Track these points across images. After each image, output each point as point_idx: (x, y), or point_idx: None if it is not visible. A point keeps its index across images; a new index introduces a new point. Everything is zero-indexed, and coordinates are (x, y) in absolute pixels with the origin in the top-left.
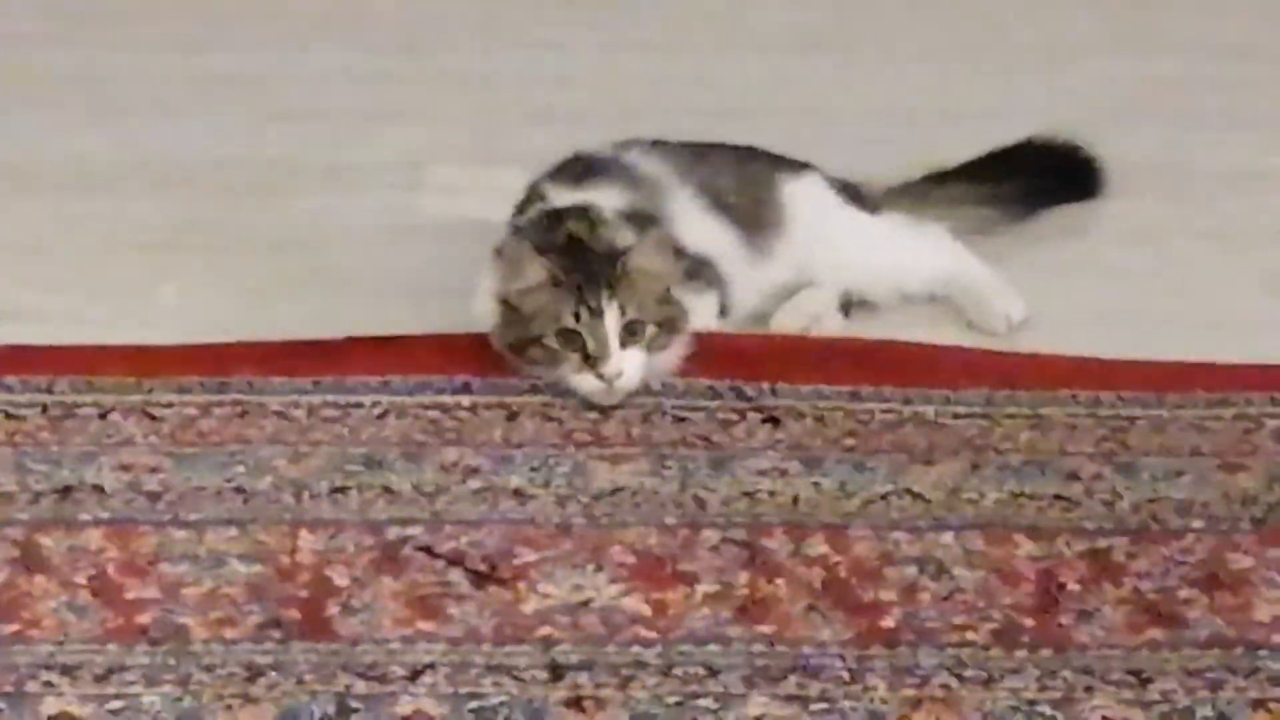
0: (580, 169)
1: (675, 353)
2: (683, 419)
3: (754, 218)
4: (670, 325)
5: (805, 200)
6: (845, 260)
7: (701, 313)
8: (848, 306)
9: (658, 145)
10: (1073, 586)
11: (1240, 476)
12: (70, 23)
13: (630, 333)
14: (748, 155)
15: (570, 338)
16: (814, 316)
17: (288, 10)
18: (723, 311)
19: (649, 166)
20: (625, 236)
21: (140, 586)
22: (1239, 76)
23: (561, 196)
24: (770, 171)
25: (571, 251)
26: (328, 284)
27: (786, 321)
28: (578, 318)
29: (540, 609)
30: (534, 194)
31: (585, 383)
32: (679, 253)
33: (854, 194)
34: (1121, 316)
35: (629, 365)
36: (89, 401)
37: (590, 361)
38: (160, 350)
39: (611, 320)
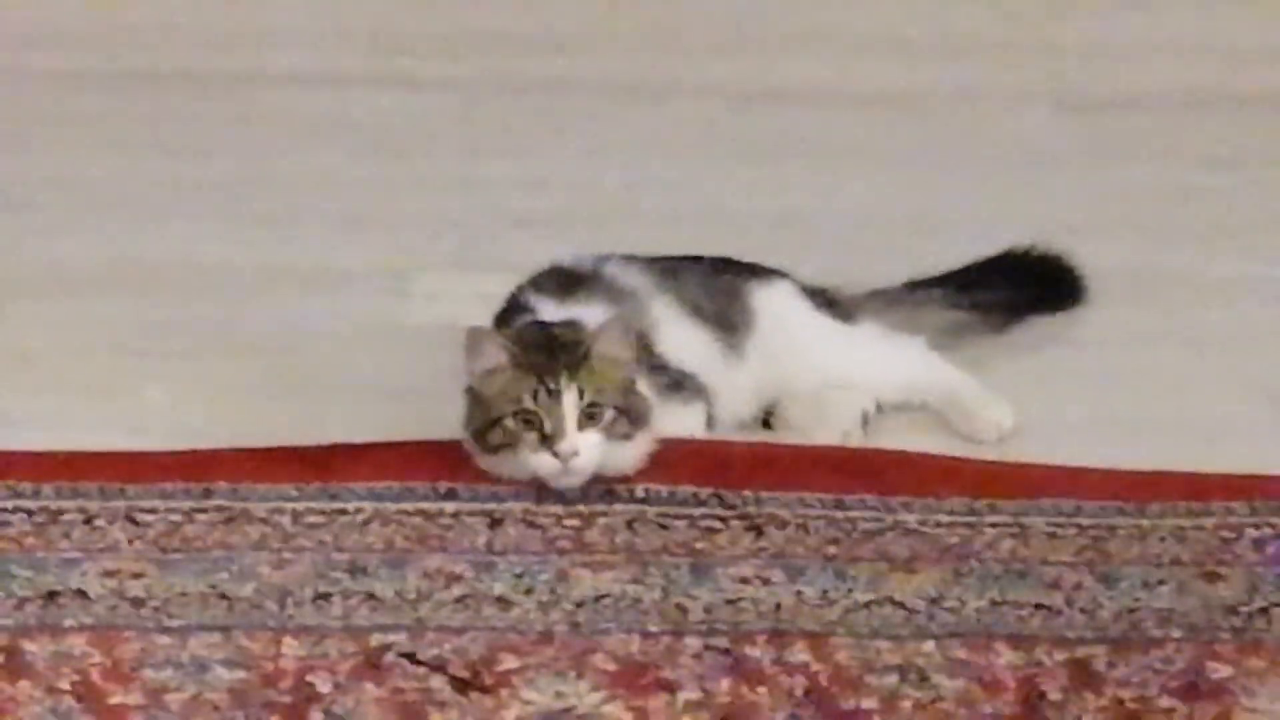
0: (563, 281)
1: (639, 448)
2: (665, 526)
3: (727, 323)
4: (632, 414)
5: (776, 307)
6: (815, 367)
7: (688, 423)
8: (866, 418)
9: (632, 258)
10: (1054, 695)
11: (1220, 586)
12: (49, 126)
13: (589, 416)
14: (720, 265)
15: (529, 418)
16: (850, 426)
17: (269, 115)
18: (710, 423)
19: (627, 279)
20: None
21: (124, 692)
22: (1217, 185)
23: (547, 309)
24: (741, 279)
25: (534, 336)
26: (310, 389)
27: (831, 433)
28: (536, 397)
29: (522, 716)
30: (516, 303)
31: (542, 463)
32: (662, 366)
33: (827, 301)
34: (1102, 424)
35: (586, 446)
36: (73, 507)
37: (547, 441)
38: (144, 456)
39: (569, 401)
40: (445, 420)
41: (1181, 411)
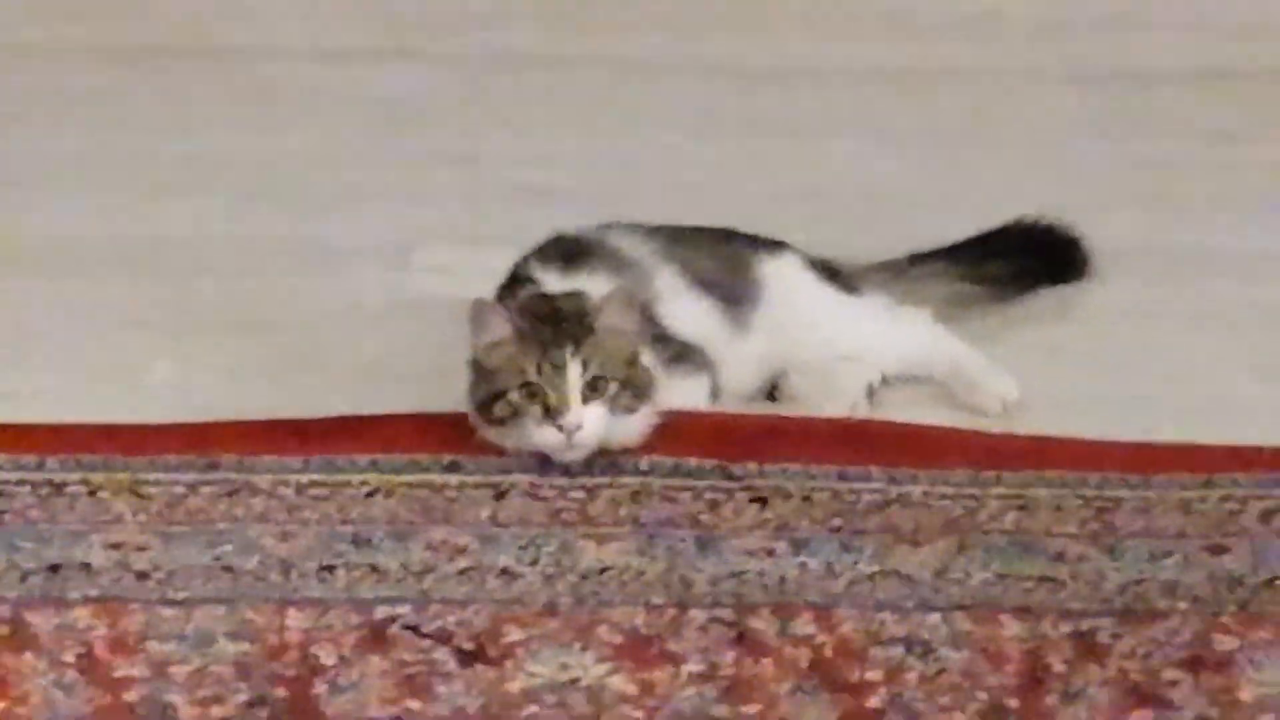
0: (566, 251)
1: (643, 421)
2: (670, 498)
3: (733, 295)
4: (636, 388)
5: (782, 278)
6: (821, 339)
7: (692, 395)
8: (871, 390)
9: (636, 227)
10: (1058, 667)
11: (1226, 558)
12: (53, 102)
13: (593, 388)
14: (725, 236)
15: (533, 391)
16: (855, 398)
17: (273, 90)
18: (714, 394)
19: (632, 249)
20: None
21: (128, 665)
22: (1225, 160)
23: (550, 279)
24: (748, 251)
25: (538, 308)
26: (315, 363)
27: (837, 406)
28: (540, 371)
29: (527, 688)
30: (520, 275)
31: (545, 436)
32: (666, 337)
33: (833, 273)
34: (1107, 398)
35: (589, 420)
36: (78, 479)
37: (550, 414)
38: (149, 429)
39: (573, 374)
40: (450, 393)
41: (1187, 385)
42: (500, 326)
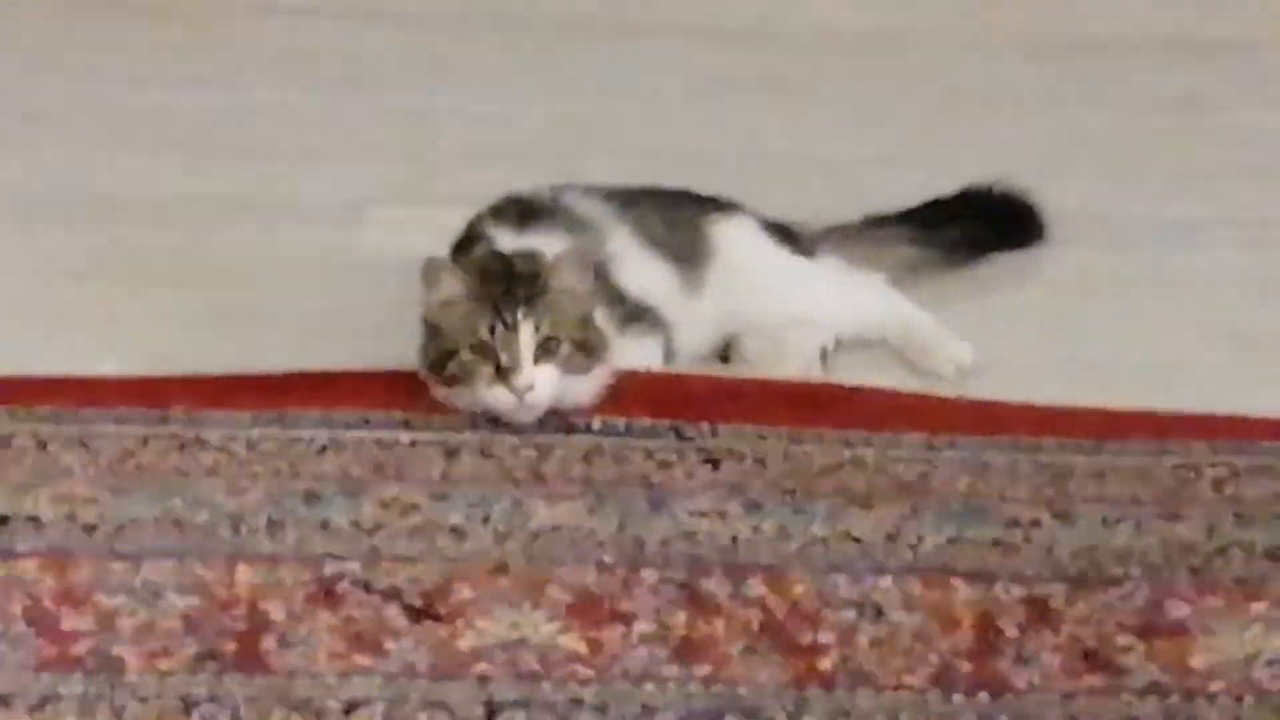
0: (520, 211)
1: (596, 381)
2: (622, 459)
3: (687, 256)
4: (588, 348)
5: (736, 240)
6: (775, 301)
7: (646, 355)
8: (824, 353)
9: (591, 188)
10: (1011, 632)
11: (1179, 525)
12: (5, 53)
13: (545, 349)
14: (680, 197)
15: (485, 351)
16: (808, 361)
17: (227, 46)
18: (667, 355)
19: (587, 209)
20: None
21: (76, 617)
22: (1179, 129)
23: (504, 239)
24: (702, 212)
25: (491, 267)
26: (267, 320)
27: (790, 368)
28: (493, 331)
29: (477, 646)
30: (474, 233)
31: (497, 396)
32: (621, 297)
33: (787, 236)
34: (1061, 363)
35: (541, 380)
36: (26, 431)
37: (502, 374)
38: (99, 382)
39: (526, 334)
40: (401, 352)
41: (1140, 352)
42: (453, 285)
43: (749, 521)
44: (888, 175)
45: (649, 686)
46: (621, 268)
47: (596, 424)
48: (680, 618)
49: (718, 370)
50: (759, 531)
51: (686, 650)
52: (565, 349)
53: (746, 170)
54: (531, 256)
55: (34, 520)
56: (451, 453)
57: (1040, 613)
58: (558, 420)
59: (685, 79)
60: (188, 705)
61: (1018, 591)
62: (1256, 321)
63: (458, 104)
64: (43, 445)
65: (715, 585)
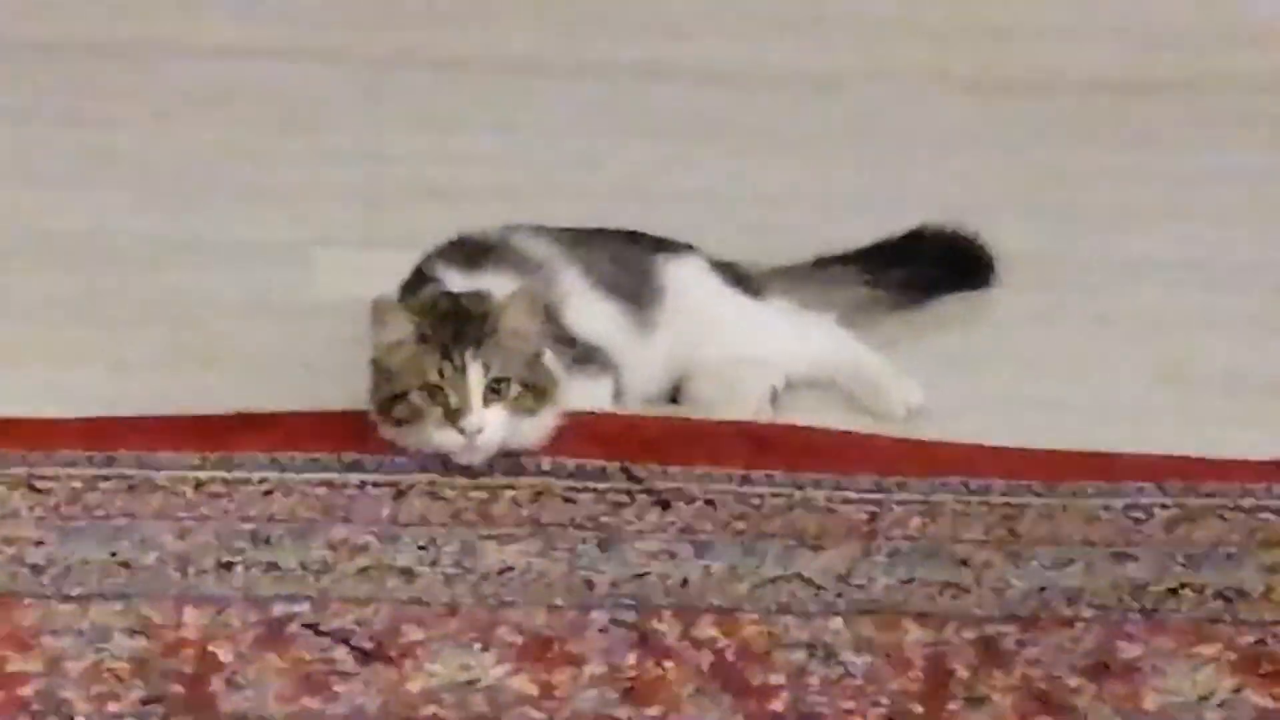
0: (470, 251)
1: (545, 422)
2: (572, 500)
3: (637, 297)
4: (538, 389)
5: (686, 281)
6: (724, 342)
7: (596, 396)
8: (774, 394)
9: (541, 229)
10: (962, 673)
11: (1130, 566)
12: None
13: (495, 391)
14: (630, 237)
15: (434, 393)
16: (758, 402)
17: (176, 86)
18: (617, 396)
19: (536, 250)
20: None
21: (22, 660)
22: (1125, 168)
23: (453, 279)
24: (652, 253)
25: (440, 308)
26: (215, 361)
27: (740, 409)
28: (442, 373)
29: (426, 688)
30: (423, 274)
31: (446, 438)
32: (570, 338)
33: (737, 276)
34: (1010, 404)
35: (491, 422)
36: None
37: (452, 416)
38: (47, 423)
39: (475, 376)
40: (350, 394)
41: (1088, 393)
42: (402, 326)
43: (699, 562)
44: (837, 216)
45: None
46: (571, 308)
47: (546, 464)
48: (631, 659)
49: (668, 411)
50: (709, 573)
51: (637, 692)
52: (515, 390)
53: (695, 211)
54: (481, 297)
55: None
56: (401, 494)
57: (992, 654)
58: (507, 461)
59: (632, 120)
60: None
61: (969, 633)
62: (1204, 362)
63: (407, 145)
64: None
65: (666, 627)
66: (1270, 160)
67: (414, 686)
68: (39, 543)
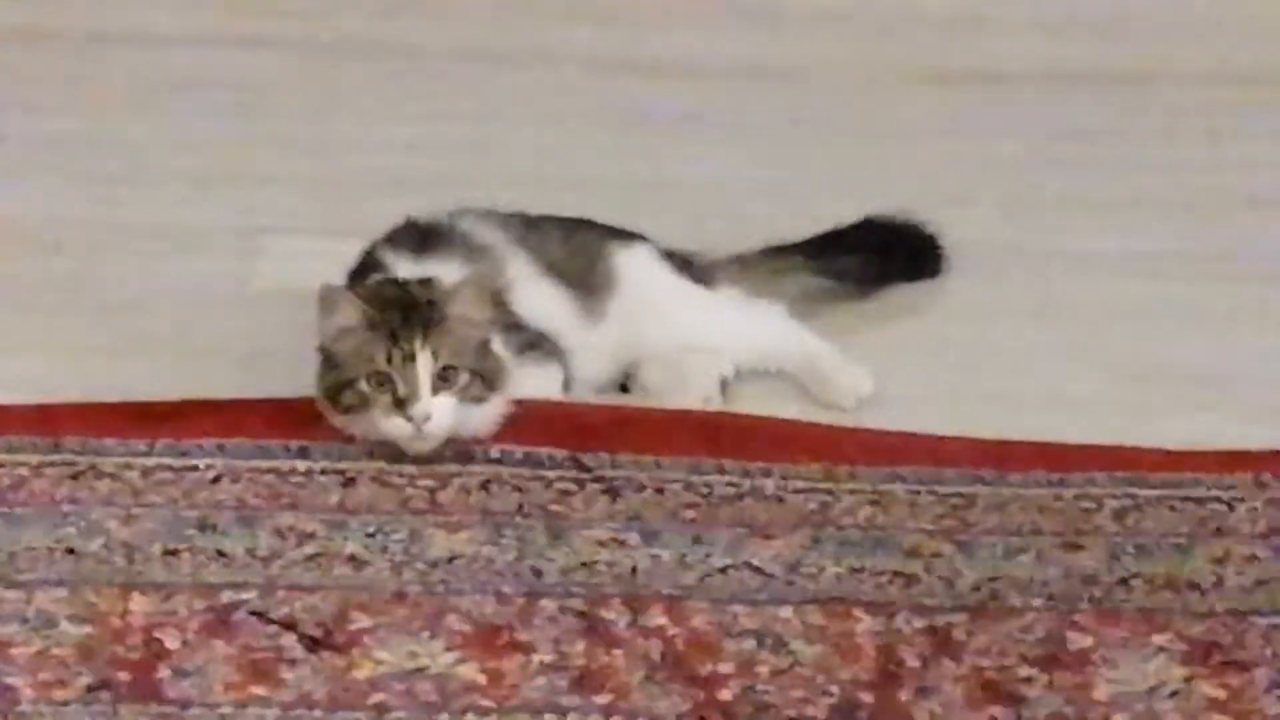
0: (418, 237)
1: (494, 410)
2: (521, 488)
3: (586, 284)
4: (487, 377)
5: (635, 269)
6: (674, 331)
7: (545, 384)
8: (724, 383)
9: (490, 214)
10: (912, 662)
11: (1080, 556)
12: None
13: (443, 379)
14: (579, 225)
15: (382, 380)
16: (708, 391)
17: (122, 73)
18: (566, 384)
19: (485, 235)
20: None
21: None
22: (1076, 160)
23: (402, 266)
24: (602, 240)
25: (388, 295)
26: (161, 349)
27: (689, 398)
28: (390, 360)
29: (374, 676)
30: (371, 260)
31: (394, 426)
32: (519, 325)
33: (686, 265)
34: (960, 394)
35: (439, 410)
36: None
37: (400, 403)
38: None
39: (424, 364)
40: (298, 381)
41: (1038, 383)
42: (350, 313)
43: (648, 551)
44: (786, 205)
45: (548, 716)
46: (519, 295)
47: (495, 453)
48: (580, 647)
49: (617, 399)
50: (658, 561)
51: (586, 680)
52: (463, 378)
53: (646, 199)
54: (429, 284)
55: None
56: (349, 481)
57: (942, 643)
58: (456, 449)
59: (585, 108)
60: None
61: (919, 622)
62: (1154, 352)
63: (355, 132)
64: None
65: (615, 615)
66: (1220, 152)
67: (362, 674)
68: None
